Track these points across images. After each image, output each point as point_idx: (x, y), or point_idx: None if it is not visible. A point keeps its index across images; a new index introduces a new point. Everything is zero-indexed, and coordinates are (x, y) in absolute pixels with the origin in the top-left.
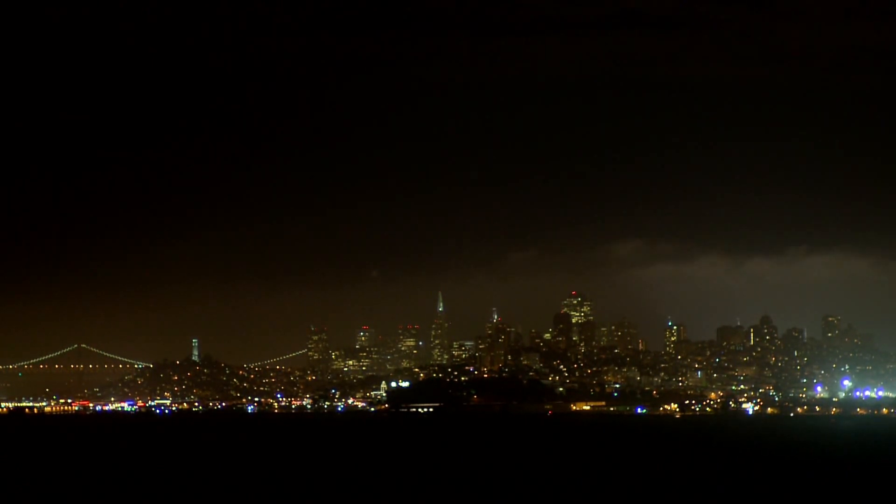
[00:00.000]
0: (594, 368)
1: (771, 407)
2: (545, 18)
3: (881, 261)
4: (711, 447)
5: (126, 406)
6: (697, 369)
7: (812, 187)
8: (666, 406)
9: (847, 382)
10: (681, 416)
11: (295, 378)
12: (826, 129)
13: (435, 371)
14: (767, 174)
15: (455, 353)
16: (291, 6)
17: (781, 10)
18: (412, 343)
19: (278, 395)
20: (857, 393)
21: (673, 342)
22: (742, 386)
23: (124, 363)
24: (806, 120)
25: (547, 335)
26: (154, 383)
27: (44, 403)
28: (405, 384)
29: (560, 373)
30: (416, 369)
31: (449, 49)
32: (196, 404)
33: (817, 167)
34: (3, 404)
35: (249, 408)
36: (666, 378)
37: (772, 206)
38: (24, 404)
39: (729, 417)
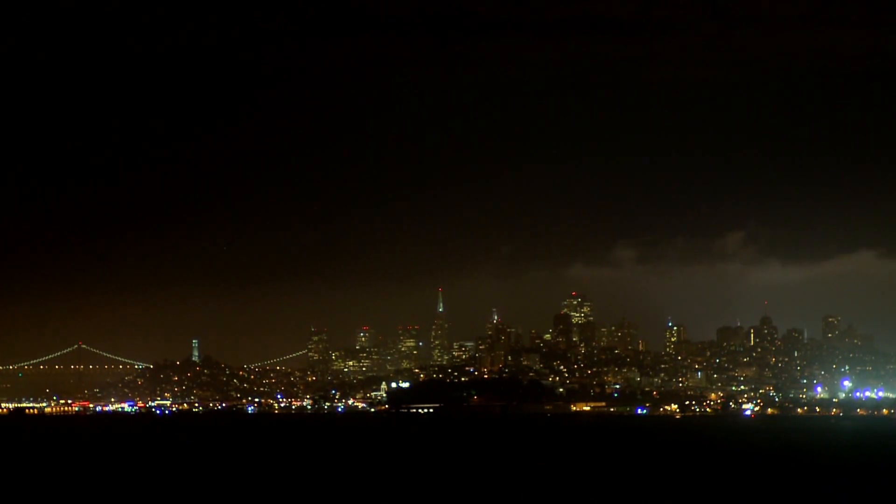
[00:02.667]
0: (594, 369)
1: (771, 407)
2: (505, 22)
3: (881, 261)
4: (711, 447)
5: (126, 406)
6: (697, 370)
7: (811, 188)
8: (666, 407)
9: (847, 383)
10: (681, 416)
11: (295, 378)
12: (801, 131)
13: (435, 371)
14: (765, 175)
15: (455, 353)
16: (280, 13)
17: (740, 15)
18: (412, 343)
19: (278, 396)
20: (858, 393)
21: (673, 342)
22: (742, 386)
23: (124, 363)
24: (780, 121)
25: (547, 336)
26: (154, 384)
27: (44, 404)
28: (405, 385)
29: (560, 373)
30: (417, 370)
31: (420, 54)
32: (196, 405)
33: (811, 168)
34: (3, 405)
35: (249, 408)
36: (666, 378)
37: (771, 206)
38: (24, 405)
39: (728, 418)
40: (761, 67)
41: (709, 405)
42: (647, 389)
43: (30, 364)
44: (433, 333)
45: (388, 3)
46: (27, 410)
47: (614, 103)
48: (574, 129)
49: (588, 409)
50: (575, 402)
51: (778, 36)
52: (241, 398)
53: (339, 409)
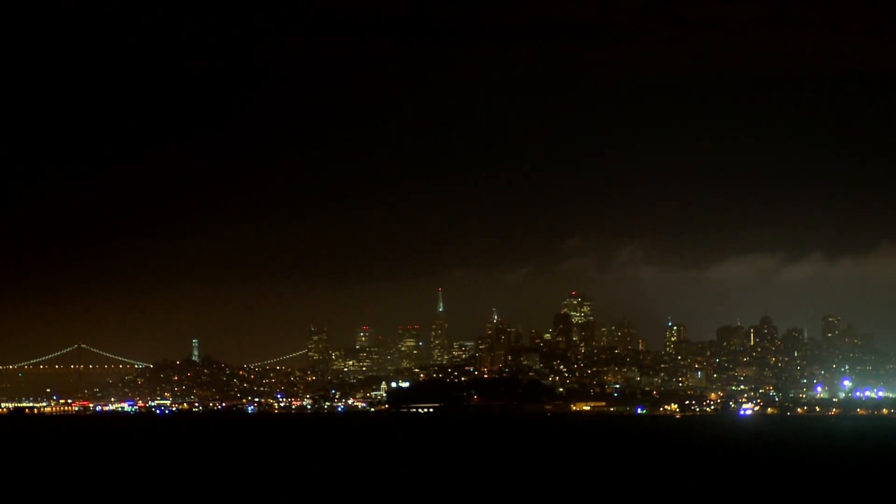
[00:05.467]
0: (594, 369)
1: (771, 407)
2: (465, 27)
3: (881, 261)
4: (711, 447)
5: (126, 406)
6: (697, 369)
7: (811, 190)
8: (666, 406)
9: (847, 383)
10: (681, 416)
11: (295, 378)
12: (768, 130)
13: (435, 371)
14: (765, 176)
15: (455, 353)
16: (283, 13)
17: (698, 19)
18: (412, 343)
19: (278, 396)
20: (857, 393)
21: (673, 342)
22: (742, 386)
23: (124, 363)
24: (746, 121)
25: (547, 335)
26: (154, 383)
27: (44, 404)
28: (405, 384)
29: (560, 373)
30: (417, 370)
31: (390, 57)
32: (196, 405)
33: (810, 169)
34: (3, 405)
35: (249, 408)
36: (666, 378)
37: (771, 207)
38: (24, 404)
39: (728, 418)
40: (722, 70)
41: (709, 405)
42: (647, 389)
43: (30, 364)
44: (433, 333)
45: (349, 8)
46: (27, 410)
47: (594, 103)
48: (564, 130)
49: (588, 408)
50: (575, 401)
51: (736, 39)
52: (240, 398)
53: (339, 409)
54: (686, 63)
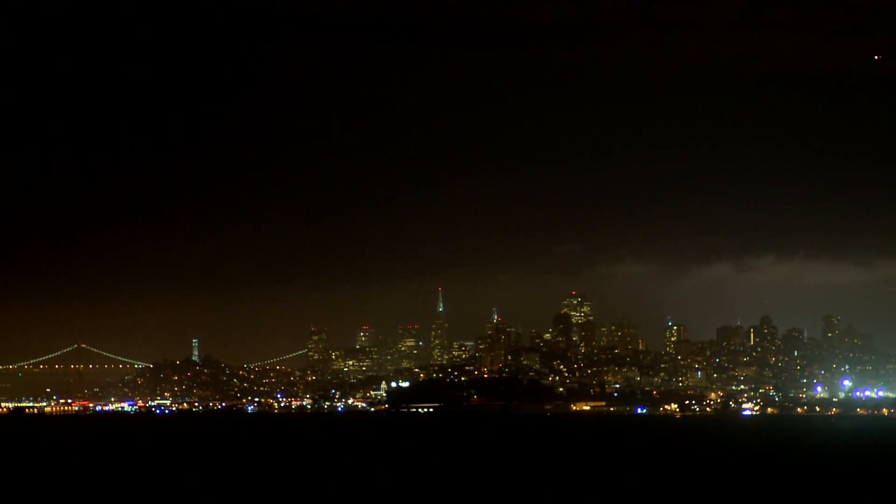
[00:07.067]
0: (594, 368)
1: (771, 407)
2: (440, 29)
3: (881, 262)
4: (711, 447)
5: (126, 406)
6: (697, 369)
7: (811, 191)
8: (666, 406)
9: (847, 382)
10: (681, 416)
11: (295, 378)
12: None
13: (435, 371)
14: (766, 177)
15: (455, 353)
16: (284, 13)
17: (672, 21)
18: (412, 343)
19: (278, 396)
20: (857, 393)
21: (673, 342)
22: (742, 386)
23: (124, 363)
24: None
25: (547, 335)
26: (154, 383)
27: (44, 403)
28: (405, 384)
29: (560, 373)
30: (417, 369)
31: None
32: (196, 404)
33: (801, 170)
34: (3, 404)
35: (249, 408)
36: (666, 378)
37: (772, 208)
38: (24, 404)
39: (730, 418)
40: (697, 72)
41: (709, 405)
42: (647, 389)
43: (30, 364)
44: (433, 333)
45: (332, 10)
46: (27, 410)
47: (606, 99)
48: (557, 130)
49: (588, 408)
50: (575, 401)
51: (712, 41)
52: (240, 398)
53: (339, 409)
54: (662, 64)
